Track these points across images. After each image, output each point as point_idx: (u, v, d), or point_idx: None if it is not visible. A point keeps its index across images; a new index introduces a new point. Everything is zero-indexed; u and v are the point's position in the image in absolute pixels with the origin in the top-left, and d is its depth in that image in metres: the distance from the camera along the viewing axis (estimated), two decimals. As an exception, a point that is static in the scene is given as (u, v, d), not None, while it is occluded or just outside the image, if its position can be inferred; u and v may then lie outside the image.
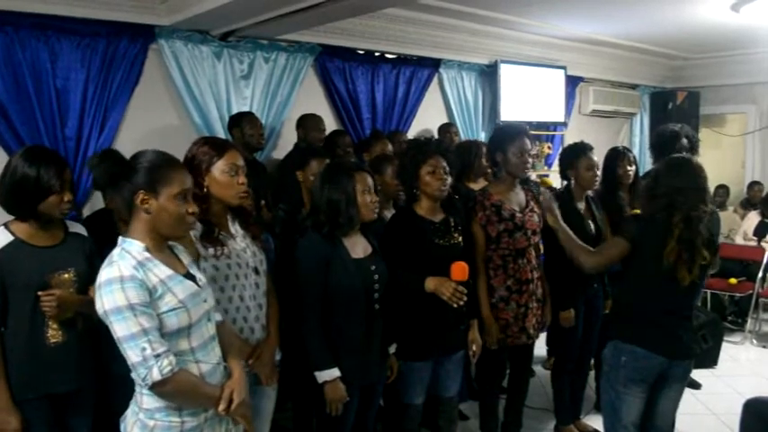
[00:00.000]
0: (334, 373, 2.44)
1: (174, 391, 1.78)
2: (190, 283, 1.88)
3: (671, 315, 2.64)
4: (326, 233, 2.48)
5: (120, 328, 1.71)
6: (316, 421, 2.54)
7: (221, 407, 1.87)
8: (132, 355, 1.71)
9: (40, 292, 2.27)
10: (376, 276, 2.55)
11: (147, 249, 1.82)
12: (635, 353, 2.61)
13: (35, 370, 2.31)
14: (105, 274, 1.76)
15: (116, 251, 1.82)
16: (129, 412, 1.90)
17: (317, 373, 2.44)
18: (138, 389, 1.84)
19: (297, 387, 2.59)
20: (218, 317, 2.08)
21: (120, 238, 1.85)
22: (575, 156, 3.52)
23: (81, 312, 2.40)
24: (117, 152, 2.13)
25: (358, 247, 2.57)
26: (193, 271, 1.97)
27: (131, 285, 1.72)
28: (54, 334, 2.33)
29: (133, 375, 1.76)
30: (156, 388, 1.74)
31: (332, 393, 2.44)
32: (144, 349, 1.70)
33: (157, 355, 1.71)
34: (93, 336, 2.50)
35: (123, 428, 1.89)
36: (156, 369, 1.70)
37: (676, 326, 2.64)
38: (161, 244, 1.89)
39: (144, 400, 1.82)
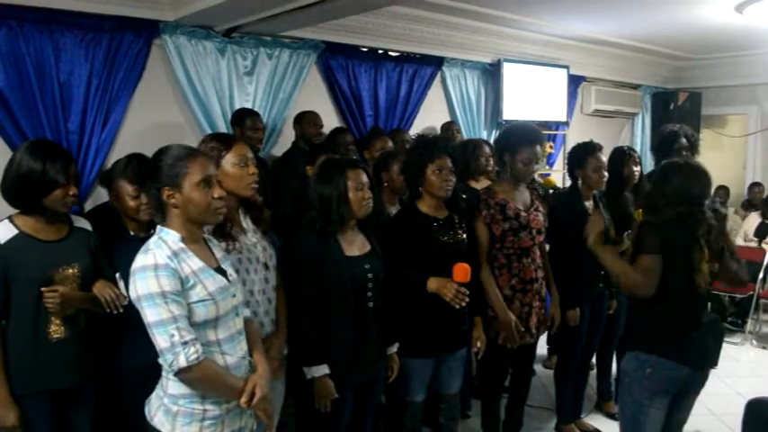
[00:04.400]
0: (323, 369, 2.44)
1: (199, 379, 1.85)
2: (220, 277, 1.95)
3: (696, 324, 2.56)
4: (319, 229, 2.48)
5: (150, 314, 1.78)
6: (311, 418, 2.54)
7: (243, 399, 1.92)
8: (161, 340, 1.78)
9: (43, 288, 2.26)
10: (370, 275, 2.54)
11: (183, 240, 1.90)
12: (660, 364, 2.52)
13: (36, 365, 2.30)
14: (140, 260, 1.82)
15: (153, 239, 1.90)
16: (153, 396, 1.97)
17: (305, 369, 2.45)
18: (164, 374, 1.91)
19: (298, 383, 2.59)
20: (246, 312, 2.14)
21: (158, 227, 1.93)
22: (583, 156, 3.50)
23: (83, 308, 2.40)
24: (141, 155, 2.21)
25: (354, 244, 2.56)
26: (225, 266, 2.03)
27: (164, 273, 1.79)
28: (56, 329, 2.33)
29: (160, 360, 1.83)
30: (182, 374, 1.81)
31: (320, 389, 2.45)
32: (172, 336, 1.77)
33: (185, 343, 1.78)
34: (94, 332, 2.51)
35: (147, 411, 1.96)
36: (183, 356, 1.77)
37: (702, 334, 2.56)
38: (196, 235, 1.97)
39: (169, 386, 1.90)
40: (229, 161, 2.27)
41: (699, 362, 2.59)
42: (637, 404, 2.59)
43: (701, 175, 2.57)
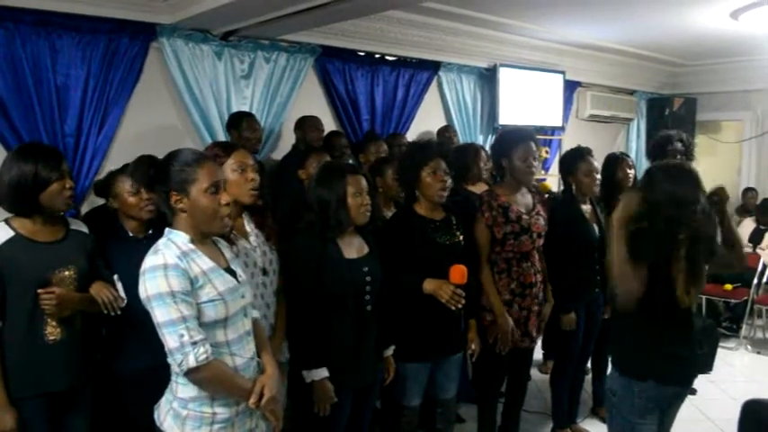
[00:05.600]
0: (322, 372, 2.44)
1: (208, 379, 1.85)
2: (230, 277, 1.96)
3: (684, 340, 2.47)
4: (318, 233, 2.48)
5: (160, 314, 1.78)
6: (309, 422, 2.54)
7: (252, 400, 1.93)
8: (170, 340, 1.78)
9: (39, 290, 2.26)
10: (368, 278, 2.54)
11: (192, 241, 1.90)
12: (649, 385, 2.43)
13: (33, 368, 2.29)
14: (150, 261, 1.83)
15: (162, 240, 1.90)
16: (163, 400, 1.97)
17: (304, 372, 2.44)
18: (173, 377, 1.91)
19: (294, 387, 2.59)
20: (254, 313, 2.14)
21: (167, 229, 1.93)
22: (573, 161, 3.52)
23: (80, 310, 2.39)
24: (153, 157, 2.23)
25: (352, 246, 2.56)
26: (234, 266, 2.03)
27: (174, 273, 1.79)
28: (53, 331, 2.32)
29: (169, 361, 1.83)
30: (191, 374, 1.81)
31: (319, 393, 2.44)
32: (182, 336, 1.77)
33: (194, 343, 1.78)
34: (91, 334, 2.50)
35: (157, 416, 1.96)
36: (192, 356, 1.78)
37: (684, 348, 2.47)
38: (204, 237, 1.97)
39: (179, 389, 1.90)
40: (229, 167, 2.29)
41: (687, 378, 2.54)
42: (627, 423, 2.51)
43: (689, 178, 2.43)
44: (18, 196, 2.26)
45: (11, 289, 2.26)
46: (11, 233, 2.27)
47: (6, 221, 2.31)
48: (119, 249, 2.55)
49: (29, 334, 2.28)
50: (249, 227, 2.43)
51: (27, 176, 2.23)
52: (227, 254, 2.07)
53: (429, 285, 2.70)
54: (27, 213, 2.30)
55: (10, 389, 2.26)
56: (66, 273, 2.35)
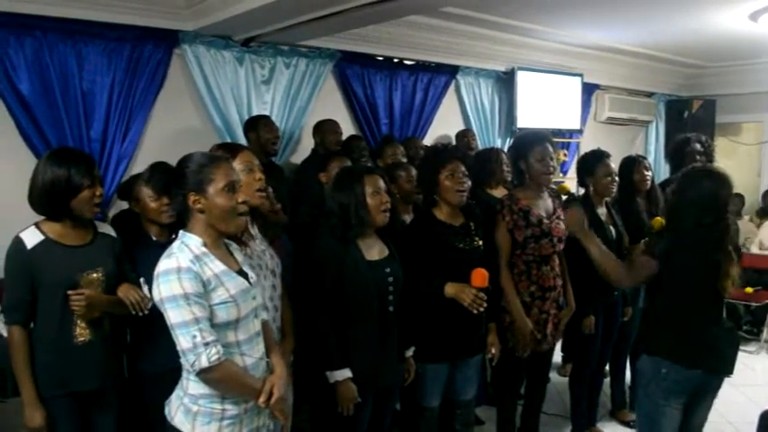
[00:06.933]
0: (346, 373, 2.47)
1: (219, 379, 1.88)
2: (242, 279, 2.00)
3: (713, 329, 2.60)
4: (339, 235, 2.51)
5: (173, 315, 1.82)
6: (330, 423, 2.57)
7: (261, 399, 1.96)
8: (183, 341, 1.82)
9: (69, 291, 2.31)
10: (390, 279, 2.58)
11: (205, 245, 1.94)
12: (675, 366, 2.57)
13: (62, 368, 2.35)
14: (164, 264, 1.87)
15: (176, 244, 1.94)
16: (173, 396, 2.01)
17: (328, 373, 2.47)
18: (184, 374, 1.95)
19: (313, 389, 2.62)
20: (264, 315, 2.18)
21: (181, 233, 1.97)
22: (593, 163, 3.53)
23: (108, 312, 2.45)
24: (164, 163, 2.38)
25: (373, 249, 2.60)
26: (246, 269, 2.07)
27: (187, 276, 1.83)
28: (82, 332, 2.37)
29: (182, 361, 1.87)
30: (203, 374, 1.85)
31: (343, 393, 2.47)
32: (194, 337, 1.81)
33: (206, 344, 1.82)
34: (118, 335, 2.57)
35: (168, 412, 2.00)
36: (205, 356, 1.81)
37: (718, 338, 2.60)
38: (218, 241, 2.01)
39: (190, 386, 1.94)
40: (236, 168, 2.30)
41: (712, 366, 2.61)
42: (653, 404, 2.63)
43: (726, 181, 2.60)
44: (50, 200, 2.31)
45: (41, 291, 2.31)
46: (41, 237, 2.33)
47: (36, 225, 2.36)
48: (143, 253, 2.59)
49: (59, 335, 2.34)
50: (253, 230, 2.46)
51: (60, 181, 2.29)
52: (239, 257, 2.11)
53: (451, 289, 2.73)
54: (57, 217, 2.36)
55: (39, 388, 2.31)
56: (95, 275, 2.40)
